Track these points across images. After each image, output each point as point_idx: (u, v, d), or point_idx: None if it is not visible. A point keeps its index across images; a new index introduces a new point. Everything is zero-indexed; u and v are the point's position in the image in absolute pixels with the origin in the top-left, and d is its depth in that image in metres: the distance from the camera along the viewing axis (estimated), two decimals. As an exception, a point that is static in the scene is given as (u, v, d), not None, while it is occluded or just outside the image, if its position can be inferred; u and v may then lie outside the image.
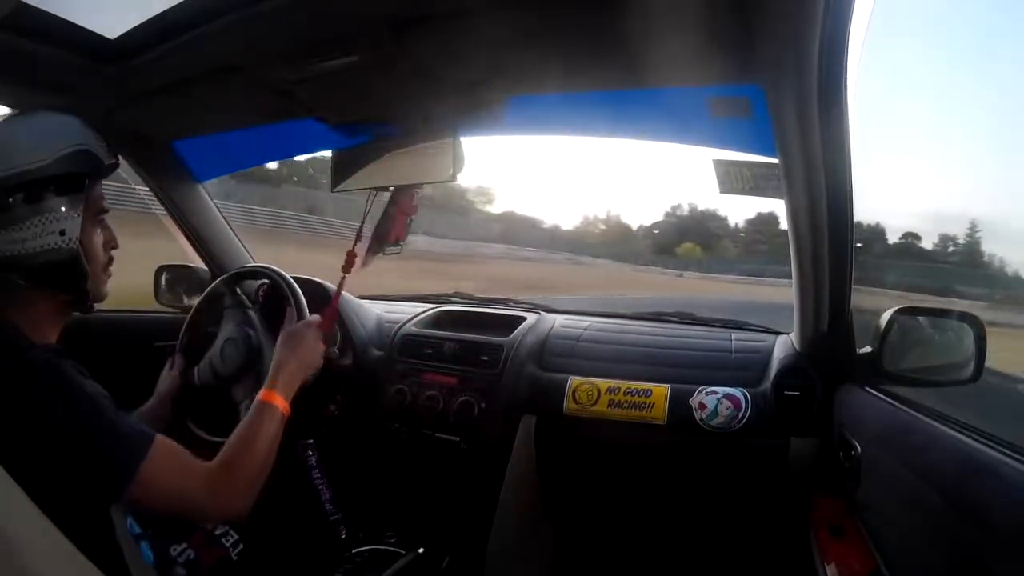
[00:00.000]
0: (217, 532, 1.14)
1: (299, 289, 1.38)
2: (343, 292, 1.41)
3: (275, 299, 1.41)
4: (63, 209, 0.88)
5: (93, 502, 0.79)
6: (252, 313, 1.42)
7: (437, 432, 1.53)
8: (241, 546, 1.17)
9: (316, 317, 1.27)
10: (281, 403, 1.04)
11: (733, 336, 1.61)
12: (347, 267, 1.35)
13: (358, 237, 1.36)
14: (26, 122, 0.91)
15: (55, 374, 0.83)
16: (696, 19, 0.85)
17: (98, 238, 0.96)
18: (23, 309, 0.89)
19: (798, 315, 1.33)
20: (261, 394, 1.05)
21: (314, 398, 1.39)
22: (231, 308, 1.46)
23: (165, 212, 1.72)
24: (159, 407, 1.30)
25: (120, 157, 0.98)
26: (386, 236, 1.37)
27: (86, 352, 1.02)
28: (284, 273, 1.42)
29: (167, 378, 1.36)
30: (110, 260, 1.00)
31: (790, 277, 1.28)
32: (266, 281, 1.47)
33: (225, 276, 1.52)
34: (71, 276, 0.92)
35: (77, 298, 0.95)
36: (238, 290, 1.51)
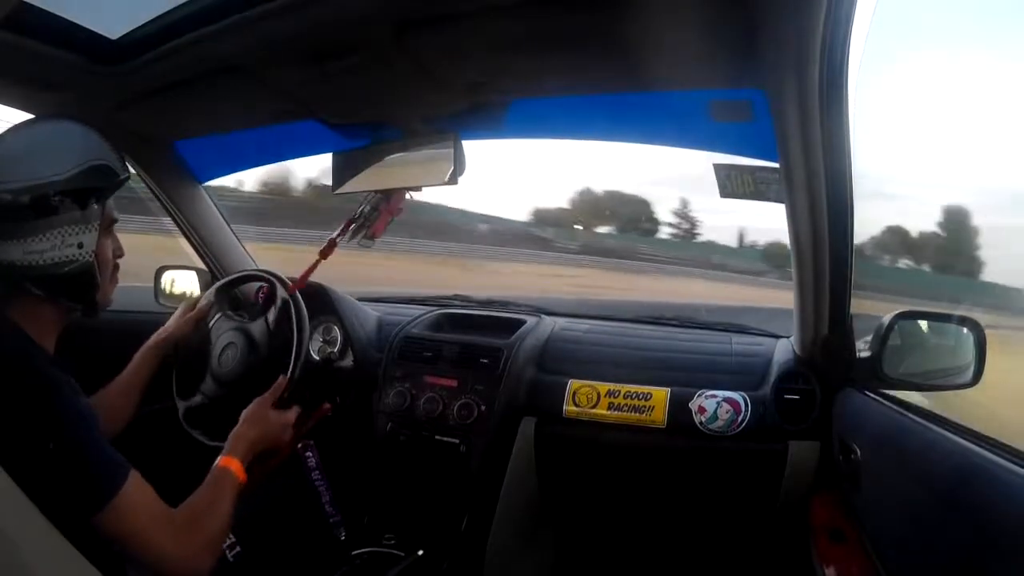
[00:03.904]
0: None
1: (304, 308, 1.37)
2: (334, 289, 1.42)
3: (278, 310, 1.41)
4: (80, 223, 0.89)
5: (74, 514, 0.78)
6: (251, 317, 1.42)
7: (437, 434, 1.53)
8: (238, 548, 1.16)
9: (272, 393, 1.22)
10: (237, 469, 1.03)
11: (733, 340, 1.61)
12: (325, 253, 1.40)
13: (345, 228, 1.39)
14: (45, 132, 0.91)
15: (56, 387, 0.83)
16: (698, 23, 0.85)
17: (108, 248, 0.97)
18: (31, 316, 0.89)
19: (798, 319, 1.33)
20: (220, 459, 1.04)
21: (312, 398, 1.39)
22: (230, 311, 1.46)
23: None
24: (166, 342, 1.30)
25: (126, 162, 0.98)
26: (366, 229, 1.39)
27: (86, 352, 1.02)
28: (283, 276, 1.42)
29: (182, 322, 1.35)
30: (116, 267, 1.01)
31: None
32: (265, 284, 1.46)
33: (225, 279, 1.51)
34: (85, 287, 0.93)
35: (86, 306, 0.96)
36: (237, 293, 1.51)
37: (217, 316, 1.41)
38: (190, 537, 0.88)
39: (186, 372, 1.37)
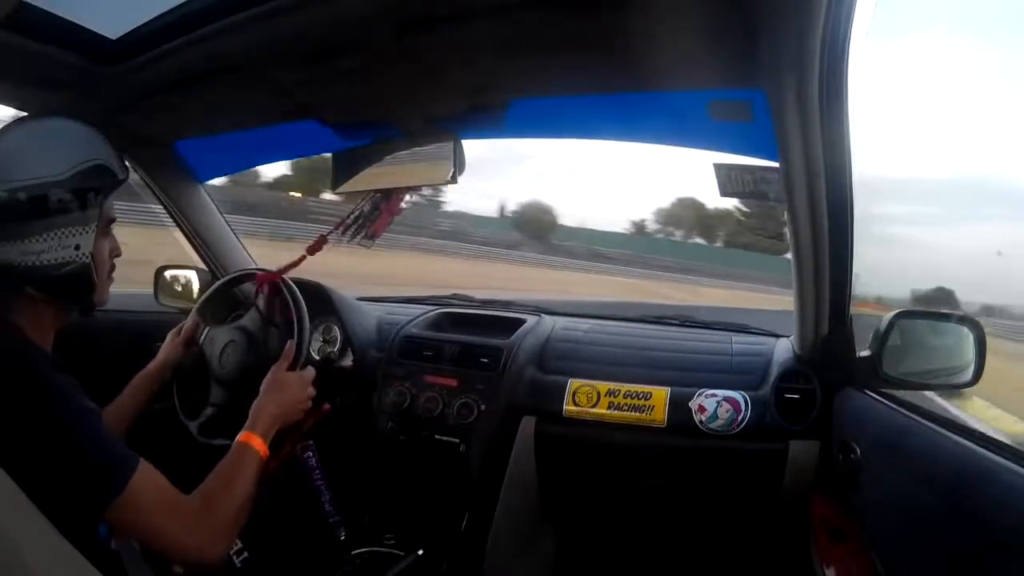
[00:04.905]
0: None
1: (299, 292, 1.37)
2: (334, 288, 1.46)
3: (276, 303, 1.41)
4: (78, 224, 0.88)
5: (82, 513, 0.78)
6: (251, 316, 1.42)
7: (437, 434, 1.53)
8: (246, 554, 1.16)
9: (290, 351, 1.24)
10: (259, 445, 1.03)
11: (733, 339, 1.61)
12: (313, 249, 1.38)
13: (338, 226, 1.38)
14: (43, 131, 0.90)
15: (56, 387, 0.83)
16: (699, 23, 0.85)
17: (105, 248, 0.97)
18: (29, 316, 0.89)
19: (798, 318, 1.33)
20: (240, 435, 1.04)
21: (312, 397, 1.39)
22: (222, 319, 1.46)
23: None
24: (162, 369, 1.30)
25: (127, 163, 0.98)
26: (366, 228, 1.38)
27: (86, 353, 1.02)
28: (264, 269, 1.42)
29: (172, 346, 1.35)
30: (113, 267, 1.01)
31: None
32: (260, 275, 1.47)
33: (225, 278, 1.52)
34: (82, 288, 0.93)
35: (82, 306, 0.96)
36: (236, 293, 1.51)
37: (207, 330, 1.41)
38: (203, 523, 0.88)
39: (189, 392, 1.37)
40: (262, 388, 1.15)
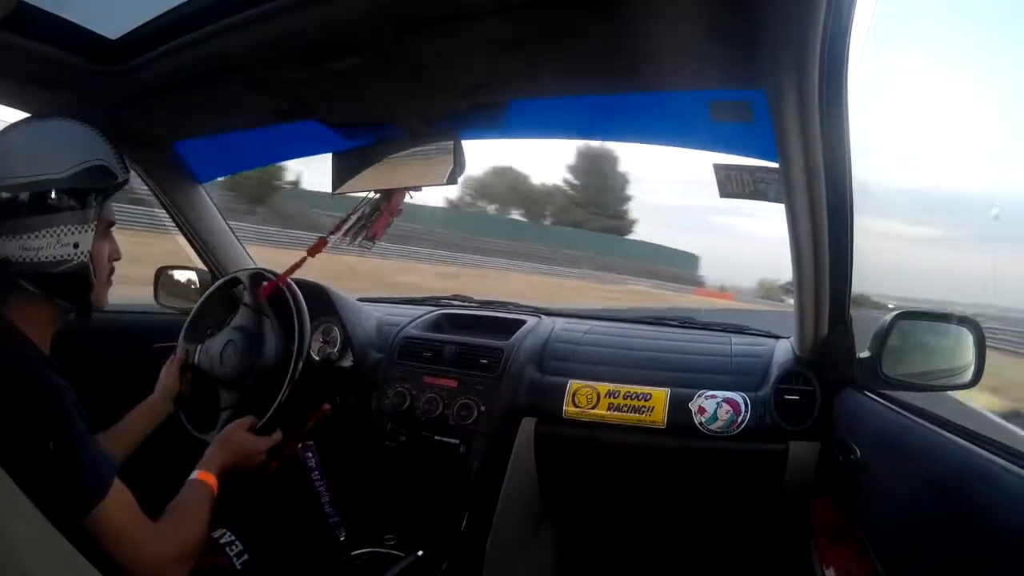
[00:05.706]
0: (222, 541, 1.14)
1: (299, 291, 1.37)
2: (335, 289, 1.48)
3: (275, 302, 1.41)
4: (78, 223, 0.89)
5: (63, 515, 0.79)
6: (243, 313, 1.42)
7: (436, 435, 1.53)
8: (246, 556, 1.16)
9: (249, 419, 1.25)
10: (212, 482, 1.05)
11: (733, 340, 1.61)
12: (313, 251, 1.38)
13: (338, 227, 1.38)
14: (46, 130, 0.91)
15: (53, 387, 0.83)
16: (698, 23, 0.85)
17: (105, 250, 0.97)
18: (27, 314, 0.90)
19: (798, 319, 1.33)
20: (196, 472, 1.06)
21: (311, 398, 1.39)
22: (231, 311, 1.45)
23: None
24: (162, 401, 1.30)
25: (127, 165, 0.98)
26: (366, 230, 1.38)
27: (85, 353, 1.02)
28: (269, 269, 1.42)
29: (168, 376, 1.34)
30: (112, 270, 1.01)
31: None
32: (265, 284, 1.46)
33: (225, 278, 1.52)
34: (79, 287, 0.93)
35: (80, 307, 0.96)
36: (235, 294, 1.50)
37: (198, 348, 1.41)
38: (169, 546, 0.89)
39: (197, 412, 1.37)
40: (216, 439, 1.17)
